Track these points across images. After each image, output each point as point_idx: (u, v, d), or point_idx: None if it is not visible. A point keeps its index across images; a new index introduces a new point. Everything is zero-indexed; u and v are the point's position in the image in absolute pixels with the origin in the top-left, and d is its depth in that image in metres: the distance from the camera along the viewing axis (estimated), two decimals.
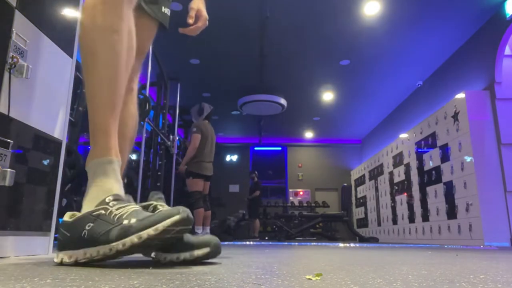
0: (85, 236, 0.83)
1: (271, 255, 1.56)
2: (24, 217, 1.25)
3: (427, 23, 5.35)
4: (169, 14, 1.34)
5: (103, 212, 0.84)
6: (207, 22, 1.39)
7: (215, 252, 0.97)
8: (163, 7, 1.31)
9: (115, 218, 0.82)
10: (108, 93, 0.94)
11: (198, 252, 0.94)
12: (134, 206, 0.87)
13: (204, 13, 1.37)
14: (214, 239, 0.98)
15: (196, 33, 1.38)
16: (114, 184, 0.92)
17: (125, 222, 0.81)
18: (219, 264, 0.97)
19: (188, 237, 0.98)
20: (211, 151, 4.73)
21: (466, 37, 5.71)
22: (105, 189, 0.91)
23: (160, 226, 0.78)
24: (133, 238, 0.78)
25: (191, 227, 0.86)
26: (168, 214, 0.81)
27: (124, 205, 0.87)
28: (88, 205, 0.89)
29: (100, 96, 0.94)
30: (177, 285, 0.56)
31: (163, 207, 1.06)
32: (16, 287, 0.51)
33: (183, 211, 0.82)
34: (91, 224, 0.83)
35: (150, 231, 0.78)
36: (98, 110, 0.94)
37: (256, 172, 8.71)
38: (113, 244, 0.79)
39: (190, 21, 1.33)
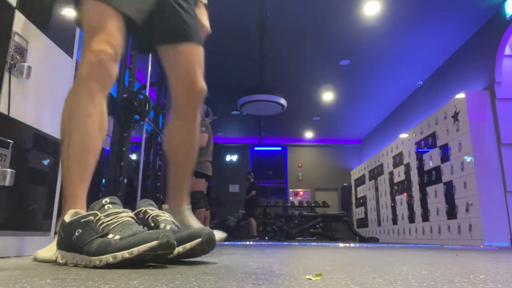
0: (74, 241, 0.85)
1: (271, 255, 1.56)
2: (24, 217, 1.25)
3: (427, 23, 5.35)
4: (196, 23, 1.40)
5: (92, 218, 0.85)
6: (208, 33, 1.51)
7: (207, 241, 0.95)
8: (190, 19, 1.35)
9: (101, 227, 0.83)
10: (79, 168, 1.07)
11: (190, 244, 0.94)
12: (125, 216, 0.87)
13: (207, 24, 1.51)
14: (206, 229, 0.97)
15: None
16: None
17: (110, 236, 0.82)
18: (219, 264, 0.97)
19: (180, 232, 0.98)
20: (212, 151, 4.78)
21: (466, 37, 5.71)
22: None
23: (135, 250, 0.77)
24: (109, 258, 0.78)
25: (173, 251, 0.83)
26: (147, 237, 0.79)
27: (117, 211, 0.87)
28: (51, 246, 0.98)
29: (72, 170, 1.07)
30: (177, 285, 0.56)
31: (152, 211, 1.06)
32: (16, 287, 0.51)
33: (163, 236, 0.79)
34: (80, 231, 0.85)
35: (125, 253, 0.77)
36: (70, 181, 1.06)
37: (251, 174, 8.72)
38: (92, 258, 0.80)
39: None
